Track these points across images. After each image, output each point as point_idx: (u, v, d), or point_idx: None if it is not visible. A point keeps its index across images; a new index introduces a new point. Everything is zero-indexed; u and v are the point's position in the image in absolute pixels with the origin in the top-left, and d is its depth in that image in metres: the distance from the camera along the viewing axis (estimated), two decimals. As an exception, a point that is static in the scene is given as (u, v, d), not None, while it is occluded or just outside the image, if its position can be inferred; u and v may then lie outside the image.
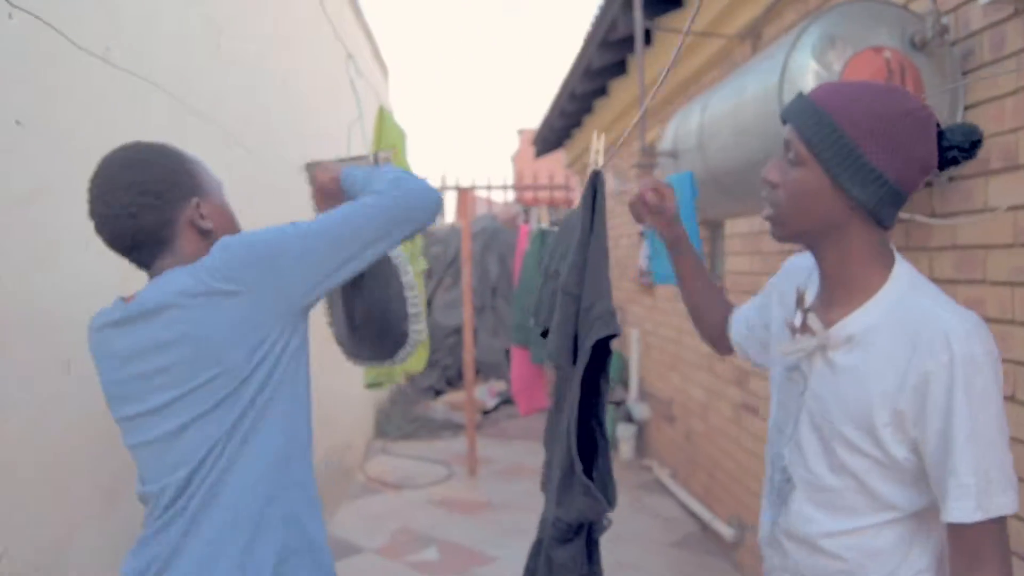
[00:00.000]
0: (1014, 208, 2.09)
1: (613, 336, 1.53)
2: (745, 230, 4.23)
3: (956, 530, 1.18)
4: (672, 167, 3.40)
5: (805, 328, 1.32)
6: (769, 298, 1.56)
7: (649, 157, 3.51)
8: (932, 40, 2.18)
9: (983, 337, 1.17)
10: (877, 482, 1.25)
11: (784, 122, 1.32)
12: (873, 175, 1.22)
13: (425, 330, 1.98)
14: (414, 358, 3.14)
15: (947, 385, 1.15)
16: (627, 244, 7.54)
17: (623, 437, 6.54)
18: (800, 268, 1.49)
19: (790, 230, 1.32)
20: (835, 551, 1.29)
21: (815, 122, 1.24)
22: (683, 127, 3.29)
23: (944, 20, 2.17)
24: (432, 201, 1.50)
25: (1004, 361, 1.84)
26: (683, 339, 5.42)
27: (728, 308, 1.73)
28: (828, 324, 1.30)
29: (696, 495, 5.13)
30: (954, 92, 2.24)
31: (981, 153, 2.21)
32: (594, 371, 1.52)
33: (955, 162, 1.30)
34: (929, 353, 1.16)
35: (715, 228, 4.92)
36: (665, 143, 3.49)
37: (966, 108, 2.26)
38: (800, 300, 1.36)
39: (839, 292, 1.30)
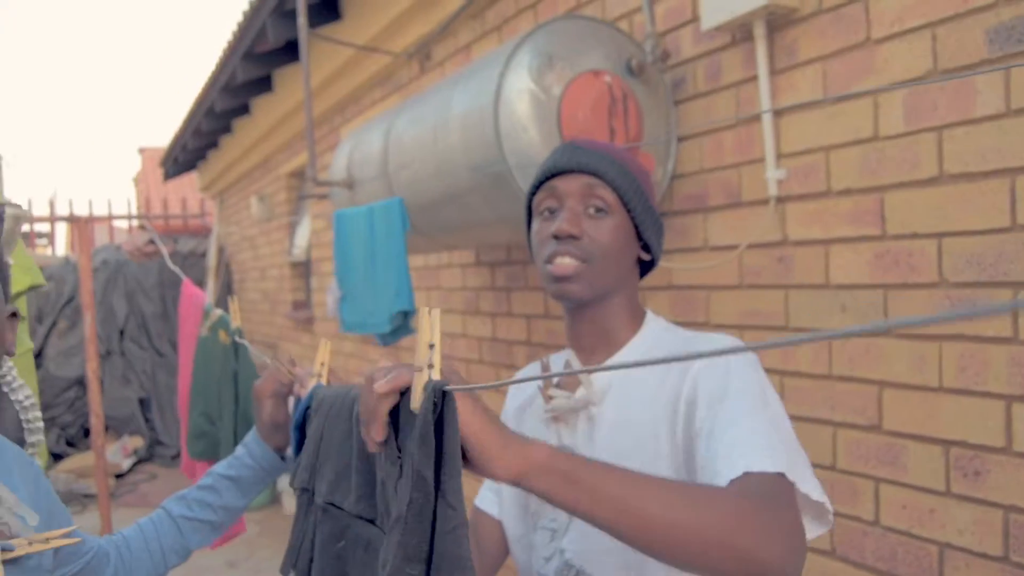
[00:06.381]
0: (730, 247, 1.98)
1: None
2: (420, 263, 3.92)
3: (742, 482, 0.89)
4: (347, 199, 2.96)
5: (561, 387, 1.19)
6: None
7: (319, 186, 3.04)
8: (650, 66, 2.00)
9: (750, 353, 1.08)
10: None
11: (567, 172, 1.16)
12: (659, 225, 1.20)
13: (43, 439, 1.61)
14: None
15: (722, 372, 1.03)
16: (277, 275, 6.93)
17: (286, 489, 5.94)
18: (525, 374, 1.37)
19: (599, 287, 1.15)
20: None
21: (616, 169, 1.15)
22: (360, 152, 2.86)
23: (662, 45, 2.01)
24: None
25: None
26: (352, 379, 4.97)
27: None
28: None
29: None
30: (668, 123, 2.08)
31: (699, 188, 2.10)
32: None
33: None
34: (696, 358, 0.99)
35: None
36: (336, 171, 3.04)
37: (679, 140, 2.12)
38: (546, 369, 1.23)
39: (599, 347, 1.20)
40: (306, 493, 1.06)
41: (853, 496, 1.73)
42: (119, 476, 7.31)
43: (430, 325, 0.77)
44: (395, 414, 0.80)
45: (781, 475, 0.89)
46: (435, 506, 0.73)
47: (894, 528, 1.65)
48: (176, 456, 7.64)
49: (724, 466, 0.91)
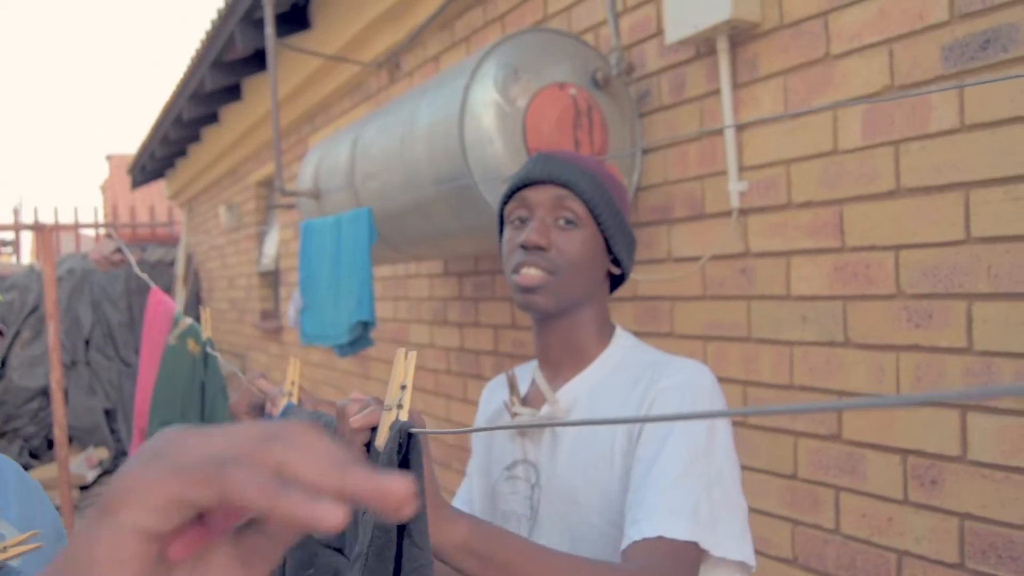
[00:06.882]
0: (694, 259, 2.00)
1: None
2: (388, 273, 3.91)
3: (653, 545, 0.94)
4: (315, 209, 2.95)
5: (527, 403, 1.22)
6: (476, 443, 1.36)
7: (286, 196, 3.03)
8: (615, 78, 2.02)
9: (711, 377, 1.11)
10: None
11: (538, 183, 1.16)
12: (631, 238, 1.20)
13: None
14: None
15: (676, 405, 1.05)
16: (246, 285, 6.87)
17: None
18: (496, 386, 1.37)
19: (565, 300, 1.15)
20: None
21: (588, 181, 1.14)
22: (327, 162, 2.86)
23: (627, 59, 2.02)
24: None
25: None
26: (319, 389, 4.95)
27: None
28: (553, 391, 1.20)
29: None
30: (632, 135, 2.10)
31: (663, 200, 2.11)
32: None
33: None
34: (656, 382, 1.09)
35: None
36: (304, 181, 3.02)
37: (644, 152, 2.14)
38: (512, 383, 1.20)
39: (566, 361, 1.19)
40: None
41: (814, 505, 1.75)
42: (84, 488, 7.18)
43: (405, 367, 0.78)
44: (370, 447, 0.82)
45: (693, 544, 0.94)
46: (400, 545, 0.73)
47: (854, 536, 1.67)
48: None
49: (644, 518, 0.95)
